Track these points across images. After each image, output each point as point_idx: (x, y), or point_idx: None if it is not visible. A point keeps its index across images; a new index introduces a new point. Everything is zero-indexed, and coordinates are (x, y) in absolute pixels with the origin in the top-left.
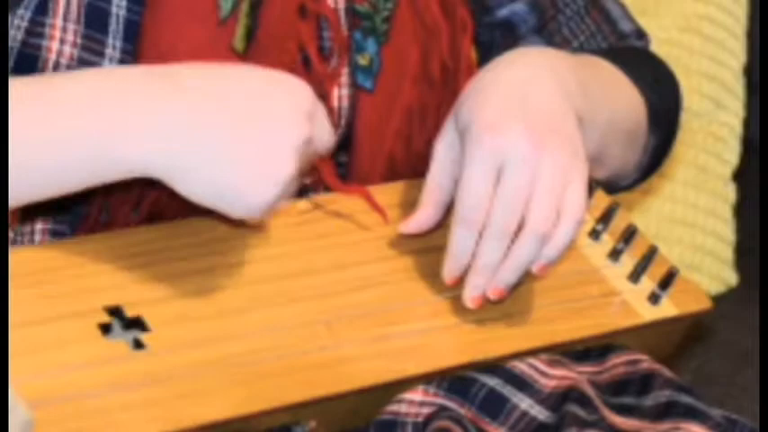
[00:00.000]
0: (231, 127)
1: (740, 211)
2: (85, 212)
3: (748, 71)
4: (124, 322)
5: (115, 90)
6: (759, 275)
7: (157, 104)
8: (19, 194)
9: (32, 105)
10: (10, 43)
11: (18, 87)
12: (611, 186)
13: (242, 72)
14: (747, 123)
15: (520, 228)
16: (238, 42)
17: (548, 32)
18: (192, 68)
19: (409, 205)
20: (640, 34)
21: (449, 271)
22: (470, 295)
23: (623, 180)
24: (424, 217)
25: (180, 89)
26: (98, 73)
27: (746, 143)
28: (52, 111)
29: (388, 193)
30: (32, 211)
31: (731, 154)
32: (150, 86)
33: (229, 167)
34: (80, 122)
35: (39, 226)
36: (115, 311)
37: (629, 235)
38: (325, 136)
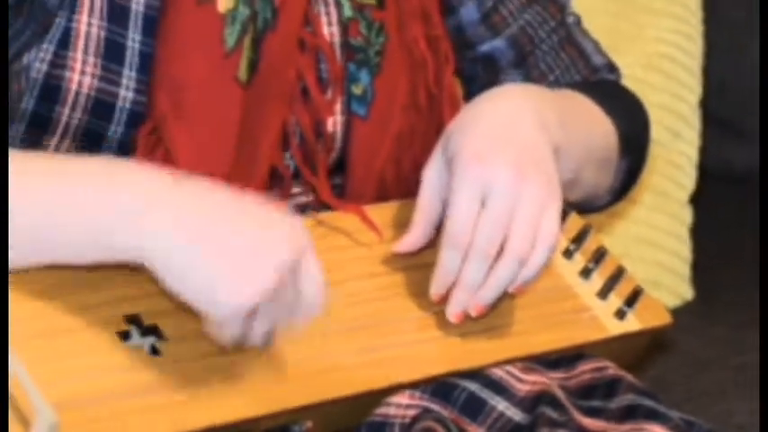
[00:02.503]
0: (219, 239)
1: (696, 231)
2: None
3: (704, 104)
4: (142, 330)
5: (125, 184)
6: (716, 289)
7: (160, 208)
8: (29, 260)
9: (47, 183)
10: (34, 75)
11: (35, 164)
12: (586, 207)
13: (249, 201)
14: (703, 152)
15: (500, 251)
16: (242, 73)
17: (526, 66)
18: (198, 187)
19: (400, 224)
20: (612, 68)
21: (436, 288)
22: (453, 311)
23: (597, 201)
24: (415, 238)
25: (184, 200)
26: (110, 165)
27: (702, 170)
28: (64, 191)
29: (380, 213)
30: None
31: (688, 180)
32: (158, 190)
33: (210, 275)
34: (87, 207)
35: None
36: (134, 320)
37: (600, 255)
38: (312, 289)
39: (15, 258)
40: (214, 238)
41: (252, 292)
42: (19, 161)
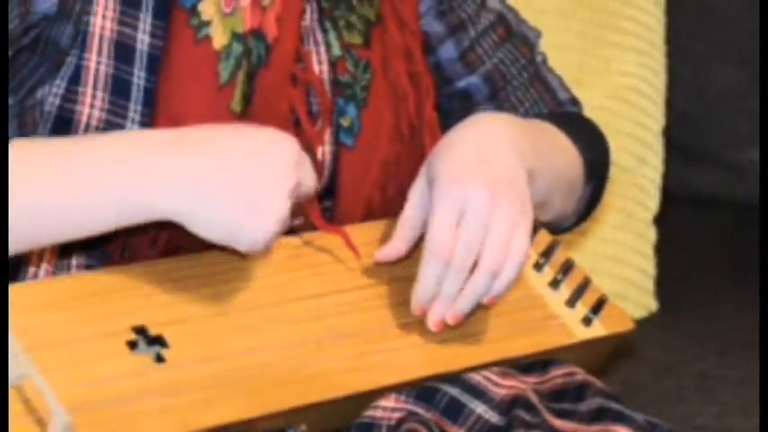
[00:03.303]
0: (236, 179)
1: (660, 249)
2: (110, 251)
3: (667, 132)
4: (148, 339)
5: (143, 150)
6: (679, 301)
7: (177, 162)
8: (59, 233)
9: (75, 160)
10: (48, 108)
11: (61, 144)
12: (555, 228)
13: (240, 131)
14: (666, 176)
15: (474, 266)
16: (236, 105)
17: (499, 100)
18: (200, 131)
19: (383, 240)
20: (575, 102)
21: (418, 299)
22: (433, 320)
23: (565, 223)
24: (395, 249)
25: (193, 149)
26: (128, 135)
27: (665, 192)
28: (92, 165)
29: (366, 231)
30: (69, 249)
31: (652, 201)
32: (170, 147)
33: (236, 211)
34: (114, 176)
35: (74, 262)
36: (140, 330)
37: (567, 268)
38: (311, 181)
39: (46, 236)
40: (225, 185)
41: (271, 224)
42: (41, 144)
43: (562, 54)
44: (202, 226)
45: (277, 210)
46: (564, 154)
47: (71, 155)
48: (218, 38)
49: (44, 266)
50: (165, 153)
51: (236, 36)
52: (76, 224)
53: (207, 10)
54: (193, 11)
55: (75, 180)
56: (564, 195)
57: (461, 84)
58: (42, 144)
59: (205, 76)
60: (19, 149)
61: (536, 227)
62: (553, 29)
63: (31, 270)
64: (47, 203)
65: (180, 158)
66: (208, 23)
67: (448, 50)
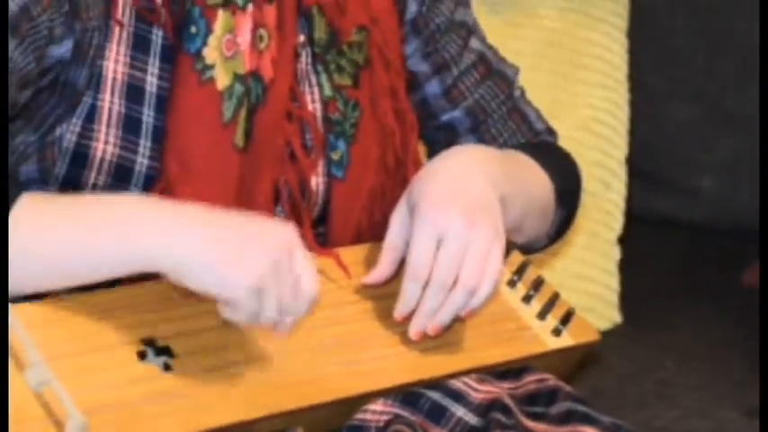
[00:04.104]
0: (218, 238)
1: (624, 266)
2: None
3: (629, 160)
4: (156, 350)
5: (143, 201)
6: (645, 316)
7: (176, 211)
8: (58, 278)
9: (85, 220)
10: (66, 144)
11: (68, 204)
12: (528, 249)
13: (235, 215)
14: (629, 200)
15: (454, 284)
16: (239, 140)
17: (480, 132)
18: (191, 206)
19: (371, 262)
20: (551, 131)
21: (399, 312)
22: (414, 331)
23: (537, 244)
24: (381, 272)
25: (198, 211)
26: (132, 196)
27: (628, 215)
28: (100, 226)
29: (355, 253)
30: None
31: (616, 224)
32: (168, 216)
33: (217, 266)
34: (115, 221)
35: None
36: (149, 342)
37: (538, 284)
38: (307, 274)
39: (48, 283)
40: (213, 238)
41: (252, 271)
42: (39, 203)
43: (535, 90)
44: (188, 276)
45: (258, 261)
46: (536, 182)
47: (73, 205)
48: (221, 79)
49: None
50: (164, 205)
51: (237, 77)
52: (74, 269)
53: (210, 54)
54: (198, 56)
55: (76, 225)
56: (536, 219)
57: (445, 117)
58: (50, 197)
59: (210, 115)
60: (30, 204)
61: (509, 248)
62: (528, 67)
63: None
64: (44, 247)
65: (179, 210)
66: (211, 66)
67: (433, 87)
